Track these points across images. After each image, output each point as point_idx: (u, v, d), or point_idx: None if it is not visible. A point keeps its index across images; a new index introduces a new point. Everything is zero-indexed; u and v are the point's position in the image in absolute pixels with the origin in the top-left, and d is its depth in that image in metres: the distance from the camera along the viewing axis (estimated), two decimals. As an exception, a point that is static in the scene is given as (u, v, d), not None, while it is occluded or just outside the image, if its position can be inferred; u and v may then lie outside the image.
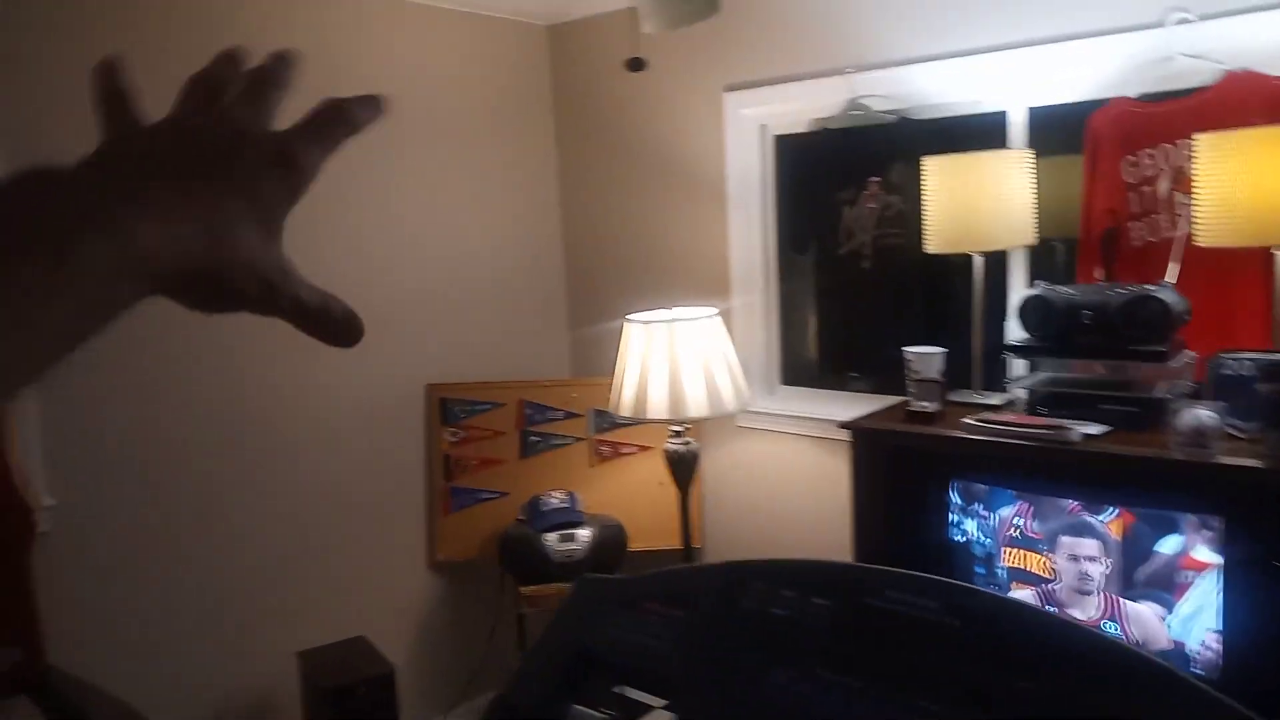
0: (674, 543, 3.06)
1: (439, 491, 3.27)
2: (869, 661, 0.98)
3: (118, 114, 0.46)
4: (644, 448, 3.34)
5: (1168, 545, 1.88)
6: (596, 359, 3.52)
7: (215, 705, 2.73)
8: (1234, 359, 2.01)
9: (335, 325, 0.47)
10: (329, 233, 2.88)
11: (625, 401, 2.74)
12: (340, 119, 0.48)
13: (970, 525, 2.24)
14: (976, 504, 2.23)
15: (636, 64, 2.70)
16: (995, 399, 2.41)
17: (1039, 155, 2.40)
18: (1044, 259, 2.61)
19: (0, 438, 2.19)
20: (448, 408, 3.28)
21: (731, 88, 2.99)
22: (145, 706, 2.26)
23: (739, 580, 1.13)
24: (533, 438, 3.37)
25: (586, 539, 3.04)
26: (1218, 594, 1.80)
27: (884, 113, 2.71)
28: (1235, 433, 1.91)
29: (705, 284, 3.16)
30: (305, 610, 2.89)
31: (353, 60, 2.92)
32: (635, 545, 3.11)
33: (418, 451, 3.24)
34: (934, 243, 2.38)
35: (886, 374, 2.82)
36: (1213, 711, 0.78)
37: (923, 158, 2.38)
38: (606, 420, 3.35)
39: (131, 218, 0.38)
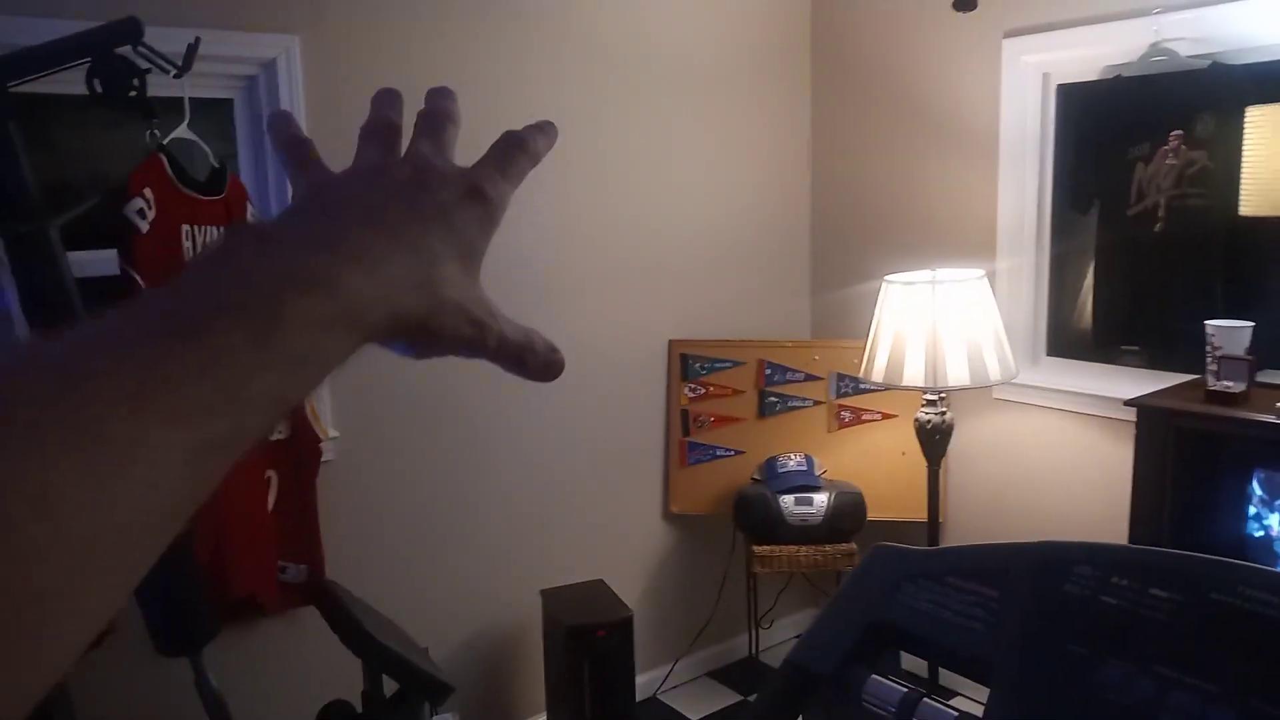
0: (915, 515, 2.94)
1: (676, 445, 3.30)
2: (1224, 665, 0.86)
3: (303, 164, 0.45)
4: (888, 415, 3.22)
5: None
6: (839, 321, 3.42)
7: (466, 632, 2.90)
8: None
9: (538, 361, 0.46)
10: (576, 188, 2.93)
11: (878, 367, 2.64)
12: (520, 149, 0.47)
13: (1274, 520, 2.00)
14: (1287, 500, 1.99)
15: (966, 3, 2.44)
16: (1315, 383, 2.13)
17: (1390, 105, 2.07)
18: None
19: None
20: (688, 363, 3.29)
21: (1012, 33, 2.76)
22: (406, 627, 2.44)
23: (1060, 562, 1.04)
24: (771, 398, 3.33)
25: (823, 504, 2.98)
26: None
27: (1193, 58, 2.42)
28: None
29: (967, 245, 2.97)
30: (549, 551, 3.01)
31: (604, 6, 2.93)
32: (874, 515, 3.01)
33: (658, 405, 3.28)
34: (1253, 203, 2.12)
35: (1172, 349, 2.56)
36: None
37: (1247, 108, 2.11)
38: (848, 385, 3.26)
39: (337, 269, 0.36)
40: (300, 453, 2.43)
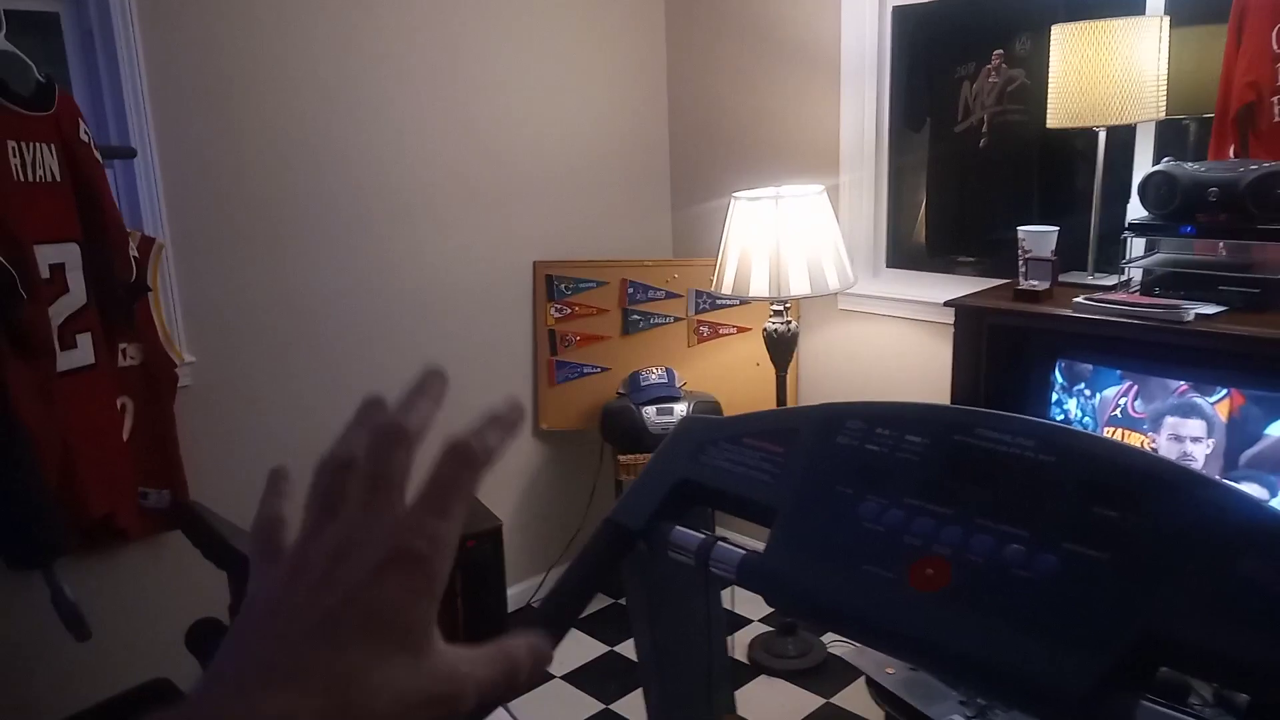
0: (771, 421, 3.11)
1: (544, 364, 3.38)
2: (959, 492, 1.01)
3: (266, 555, 0.41)
4: (742, 329, 3.38)
5: (1278, 428, 1.83)
6: (698, 240, 3.54)
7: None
8: (1373, 239, 1.91)
9: (528, 675, 0.42)
10: (439, 114, 2.94)
11: (727, 280, 2.76)
12: (467, 468, 0.42)
13: (1072, 405, 2.23)
14: (1080, 384, 2.21)
15: None
16: (1109, 280, 2.35)
17: (1177, 24, 2.26)
18: (1175, 137, 2.49)
19: (146, 303, 2.36)
20: (553, 285, 3.36)
21: (849, -44, 2.88)
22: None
23: (836, 419, 1.17)
24: (634, 316, 3.44)
25: (683, 412, 3.12)
26: (1330, 477, 1.77)
27: (1010, -20, 2.58)
28: (1366, 315, 1.83)
29: (813, 162, 3.11)
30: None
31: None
32: (732, 422, 3.17)
33: (526, 326, 3.35)
34: (1056, 116, 2.30)
35: (998, 256, 2.77)
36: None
37: (1051, 26, 2.27)
38: (706, 301, 3.39)
39: (243, 713, 0.34)
40: (155, 379, 2.41)
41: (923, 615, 0.91)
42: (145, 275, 2.30)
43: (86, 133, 2.08)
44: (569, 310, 3.39)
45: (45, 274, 1.99)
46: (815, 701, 2.75)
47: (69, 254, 2.05)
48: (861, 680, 2.34)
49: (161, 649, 2.23)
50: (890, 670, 2.05)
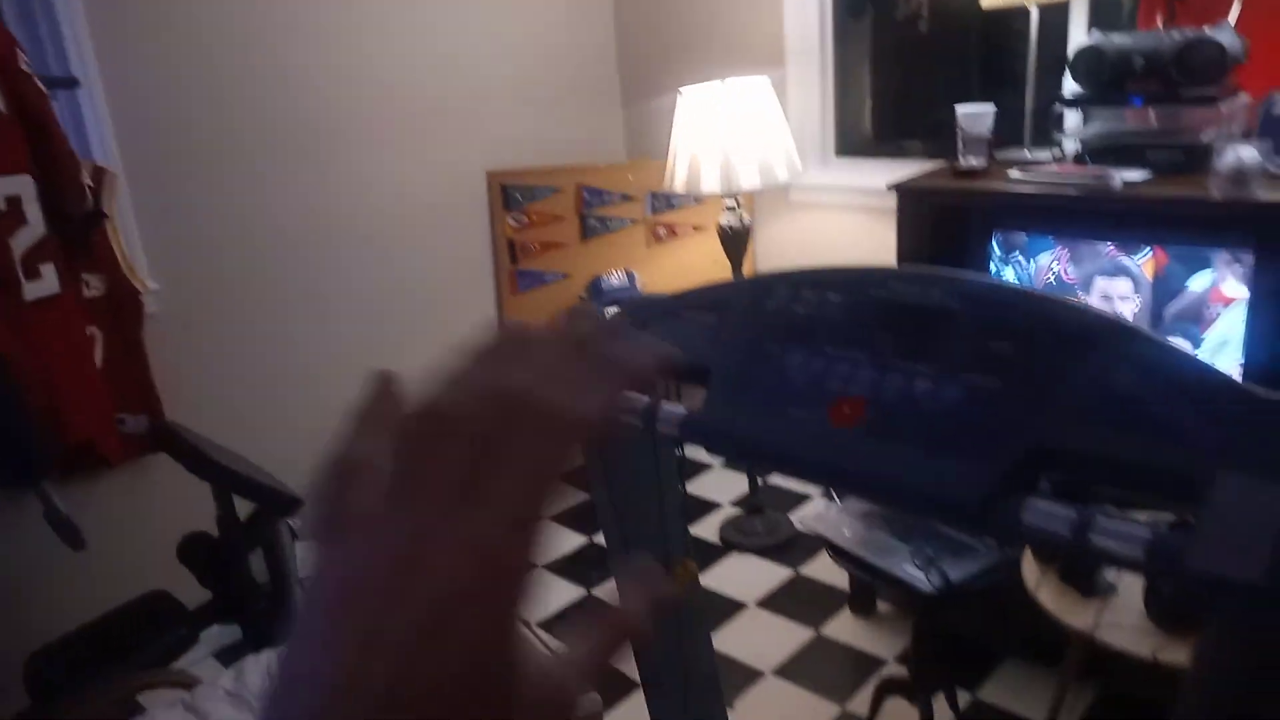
0: (731, 315, 3.21)
1: (506, 274, 3.44)
2: (874, 340, 1.10)
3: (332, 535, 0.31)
4: (699, 228, 3.44)
5: (1198, 281, 1.95)
6: (651, 141, 3.57)
7: (314, 461, 3.03)
8: (1286, 97, 1.99)
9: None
10: (385, 28, 2.92)
11: (679, 178, 2.81)
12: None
13: (1008, 273, 2.33)
14: (1015, 252, 2.31)
15: None
16: (1045, 154, 2.43)
17: (1103, -105, 2.30)
18: (1108, 9, 2.54)
19: (105, 232, 2.39)
20: (509, 194, 3.40)
21: None
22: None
23: (765, 287, 1.25)
24: (591, 221, 3.49)
25: (647, 313, 3.20)
26: (1244, 325, 1.88)
27: None
28: (1276, 170, 1.92)
29: (760, 55, 3.14)
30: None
31: None
32: (694, 318, 3.26)
33: (485, 237, 3.39)
34: (987, -5, 2.34)
35: (942, 139, 2.83)
36: (1185, 367, 0.90)
37: (978, -97, 2.30)
38: (662, 202, 3.45)
39: None
40: (120, 307, 2.46)
41: (842, 448, 1.01)
42: (101, 204, 2.32)
43: (27, 63, 2.08)
44: (527, 219, 3.43)
45: (2, 206, 2.02)
46: (784, 573, 2.91)
47: (24, 186, 2.07)
48: (824, 553, 2.48)
49: (156, 563, 2.33)
50: (847, 532, 2.18)
